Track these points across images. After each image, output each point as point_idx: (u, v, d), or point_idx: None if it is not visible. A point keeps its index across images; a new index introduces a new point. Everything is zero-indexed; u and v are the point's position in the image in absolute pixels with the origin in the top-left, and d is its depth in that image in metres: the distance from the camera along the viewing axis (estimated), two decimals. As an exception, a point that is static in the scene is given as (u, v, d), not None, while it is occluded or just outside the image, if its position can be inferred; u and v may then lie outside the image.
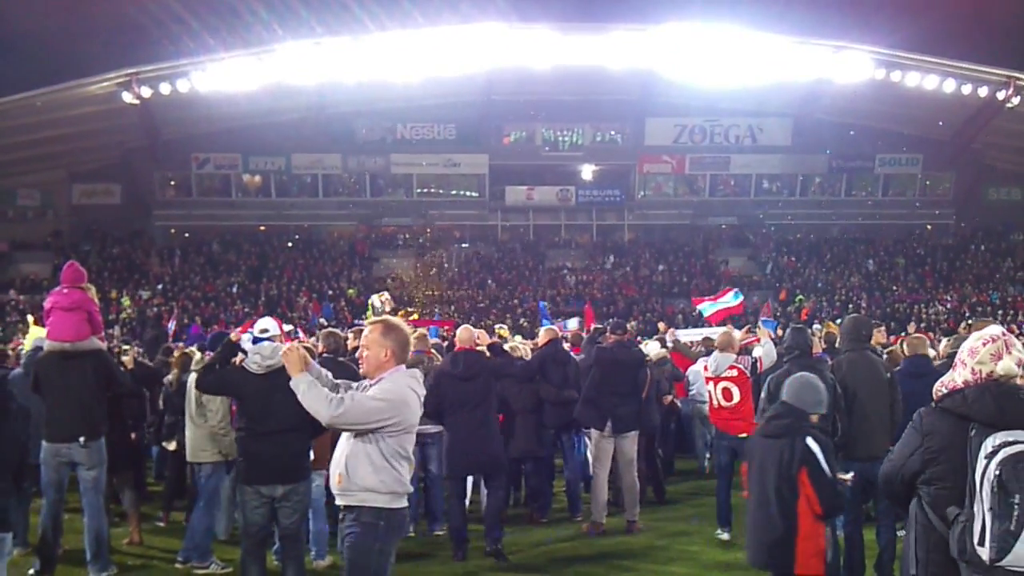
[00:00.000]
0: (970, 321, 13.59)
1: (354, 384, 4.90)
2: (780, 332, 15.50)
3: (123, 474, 8.63)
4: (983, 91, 33.92)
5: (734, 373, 9.04)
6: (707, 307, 18.52)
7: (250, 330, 8.38)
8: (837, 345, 10.81)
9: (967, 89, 33.72)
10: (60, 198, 40.35)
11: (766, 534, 5.23)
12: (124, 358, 9.70)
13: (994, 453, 3.39)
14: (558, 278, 39.45)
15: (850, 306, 35.27)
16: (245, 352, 6.45)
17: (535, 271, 40.03)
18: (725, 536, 8.91)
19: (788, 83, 36.01)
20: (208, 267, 38.49)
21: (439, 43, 32.60)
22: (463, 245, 42.49)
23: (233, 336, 6.77)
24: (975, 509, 3.40)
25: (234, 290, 36.71)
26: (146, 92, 31.76)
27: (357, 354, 5.14)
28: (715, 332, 12.51)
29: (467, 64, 34.17)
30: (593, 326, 11.87)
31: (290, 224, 41.45)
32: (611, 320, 11.43)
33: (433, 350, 10.11)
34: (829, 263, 40.81)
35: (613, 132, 43.09)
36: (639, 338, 13.73)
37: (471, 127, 41.23)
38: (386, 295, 15.84)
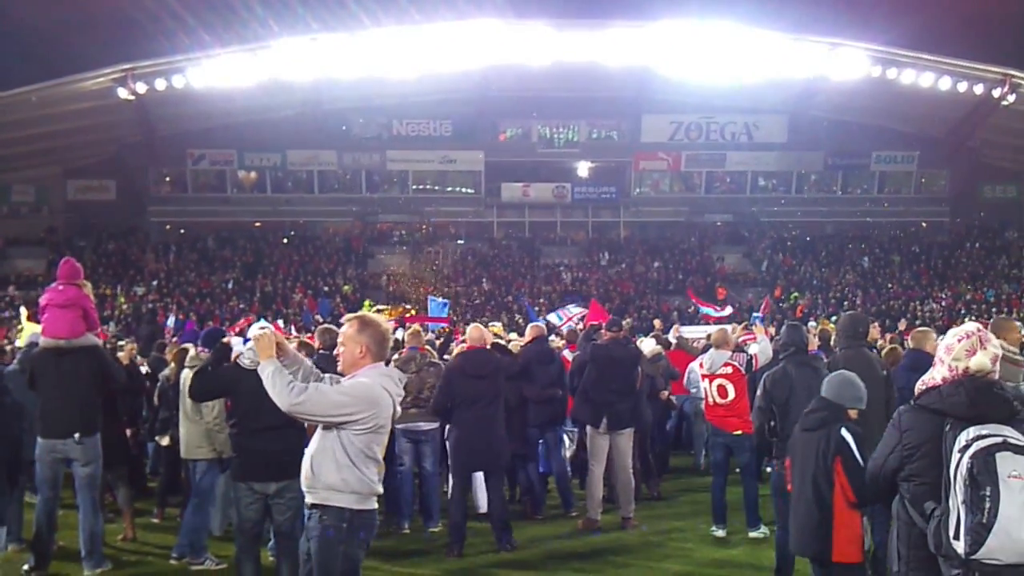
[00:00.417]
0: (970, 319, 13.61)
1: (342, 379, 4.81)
2: (771, 330, 15.55)
3: (117, 470, 8.62)
4: (979, 89, 33.98)
5: (729, 370, 9.04)
6: (702, 309, 18.64)
7: (247, 327, 8.40)
8: (833, 342, 10.85)
9: (963, 87, 33.79)
10: (55, 194, 40.31)
11: (807, 523, 5.37)
12: (120, 354, 9.69)
13: (967, 447, 3.42)
14: (554, 275, 39.45)
15: (845, 303, 35.29)
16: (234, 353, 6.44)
17: (531, 268, 40.03)
18: (720, 533, 8.92)
19: (784, 80, 36.06)
20: (203, 263, 38.42)
21: (435, 39, 32.59)
22: (459, 242, 42.49)
23: (225, 339, 6.76)
24: (950, 503, 3.42)
25: (229, 286, 36.64)
26: (141, 88, 31.70)
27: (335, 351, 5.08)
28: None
29: (463, 60, 34.16)
30: (591, 323, 11.85)
31: (285, 220, 41.37)
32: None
33: (428, 347, 10.11)
34: (824, 260, 40.84)
35: (609, 129, 43.19)
36: (634, 335, 13.76)
37: (467, 124, 41.23)
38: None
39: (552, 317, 18.89)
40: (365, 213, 42.10)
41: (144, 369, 11.37)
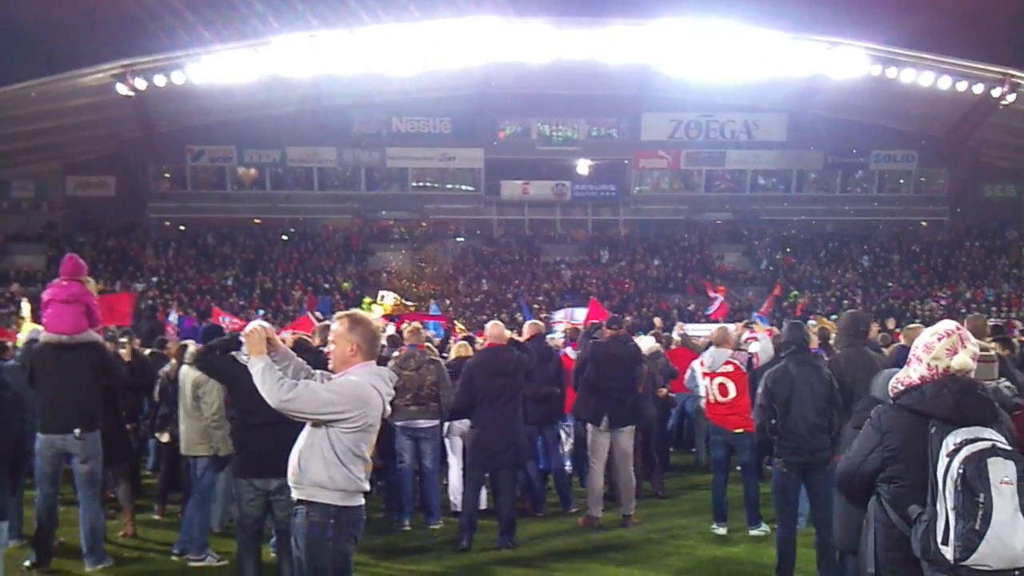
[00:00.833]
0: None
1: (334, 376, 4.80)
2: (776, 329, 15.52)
3: (118, 466, 8.62)
4: (978, 88, 34.00)
5: (730, 369, 9.05)
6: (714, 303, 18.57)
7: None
8: (832, 340, 10.85)
9: (962, 86, 33.81)
10: (54, 190, 40.25)
11: (851, 519, 5.32)
12: (122, 351, 9.67)
13: (956, 451, 3.35)
14: (553, 273, 39.44)
15: (844, 302, 35.32)
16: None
17: (530, 265, 40.02)
18: (721, 531, 8.94)
19: (784, 79, 36.05)
20: (203, 260, 38.41)
21: (435, 36, 32.55)
22: (458, 239, 42.44)
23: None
24: (938, 508, 3.36)
25: (229, 283, 36.63)
26: (141, 84, 31.66)
27: (326, 349, 5.07)
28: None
29: (463, 58, 34.14)
30: (591, 321, 11.85)
31: (285, 217, 41.34)
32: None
33: (428, 344, 10.10)
34: (824, 259, 40.86)
35: (609, 127, 43.12)
36: (634, 333, 13.75)
37: (467, 121, 41.17)
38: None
39: (558, 315, 18.84)
40: (365, 210, 42.05)
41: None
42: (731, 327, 10.54)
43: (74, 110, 33.57)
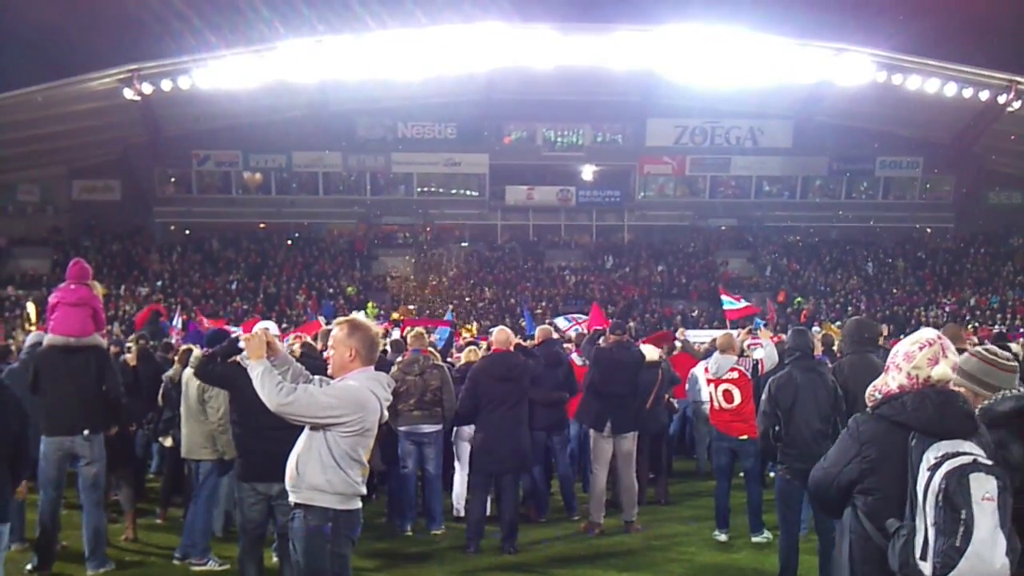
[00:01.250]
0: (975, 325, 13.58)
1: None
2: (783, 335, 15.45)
3: (120, 470, 8.62)
4: (984, 95, 33.99)
5: (735, 375, 9.02)
6: (728, 303, 18.46)
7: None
8: (836, 347, 10.82)
9: (968, 93, 33.77)
10: (60, 194, 40.34)
11: None
12: (127, 356, 9.67)
13: (937, 465, 3.26)
14: (557, 278, 39.44)
15: (849, 308, 35.29)
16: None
17: (534, 271, 40.02)
18: (723, 537, 8.91)
19: (789, 85, 36.07)
20: (207, 264, 38.48)
21: (440, 42, 32.61)
22: (463, 244, 42.50)
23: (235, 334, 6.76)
24: (917, 522, 3.28)
25: (233, 287, 36.70)
26: (147, 89, 31.78)
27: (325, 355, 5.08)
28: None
29: (468, 63, 34.20)
30: (594, 327, 11.83)
31: (290, 222, 41.43)
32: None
33: (431, 349, 10.09)
34: (829, 265, 40.82)
35: (614, 133, 43.12)
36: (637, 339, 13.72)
37: (472, 126, 41.23)
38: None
39: (559, 321, 18.82)
40: (369, 215, 42.14)
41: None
42: (735, 333, 10.48)
43: (80, 115, 33.67)
